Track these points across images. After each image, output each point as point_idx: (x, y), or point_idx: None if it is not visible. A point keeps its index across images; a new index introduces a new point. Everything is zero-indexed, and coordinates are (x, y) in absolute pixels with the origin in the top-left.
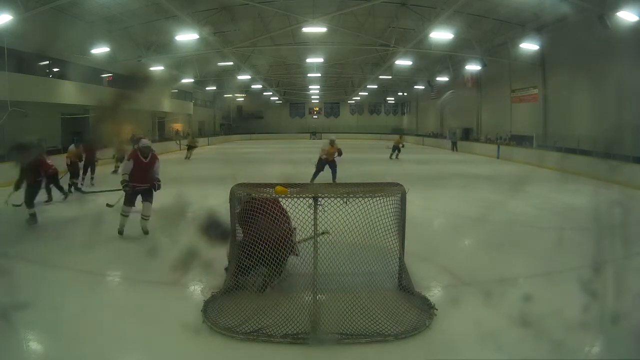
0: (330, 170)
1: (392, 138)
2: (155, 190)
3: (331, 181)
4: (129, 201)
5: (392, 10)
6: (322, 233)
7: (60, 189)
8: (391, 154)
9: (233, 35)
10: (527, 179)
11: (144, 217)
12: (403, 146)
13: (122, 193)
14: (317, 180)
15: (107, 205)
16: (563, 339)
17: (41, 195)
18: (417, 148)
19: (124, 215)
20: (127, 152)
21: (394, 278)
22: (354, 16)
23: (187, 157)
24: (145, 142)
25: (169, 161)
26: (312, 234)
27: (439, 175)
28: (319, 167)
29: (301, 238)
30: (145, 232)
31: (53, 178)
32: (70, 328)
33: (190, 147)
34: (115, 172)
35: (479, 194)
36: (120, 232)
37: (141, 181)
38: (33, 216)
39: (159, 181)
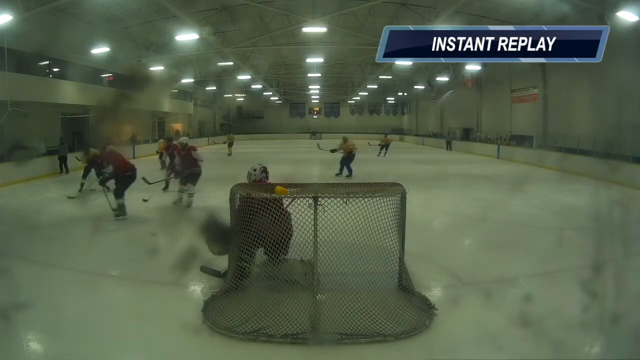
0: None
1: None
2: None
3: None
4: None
5: (392, 10)
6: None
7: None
8: (379, 152)
9: (233, 35)
10: (527, 179)
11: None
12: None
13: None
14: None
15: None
16: (563, 339)
17: None
18: (417, 148)
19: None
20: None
21: (394, 278)
22: (354, 16)
23: (229, 154)
24: (183, 138)
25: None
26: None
27: (439, 175)
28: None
29: None
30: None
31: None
32: (71, 328)
33: (230, 144)
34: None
35: (478, 194)
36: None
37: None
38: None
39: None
